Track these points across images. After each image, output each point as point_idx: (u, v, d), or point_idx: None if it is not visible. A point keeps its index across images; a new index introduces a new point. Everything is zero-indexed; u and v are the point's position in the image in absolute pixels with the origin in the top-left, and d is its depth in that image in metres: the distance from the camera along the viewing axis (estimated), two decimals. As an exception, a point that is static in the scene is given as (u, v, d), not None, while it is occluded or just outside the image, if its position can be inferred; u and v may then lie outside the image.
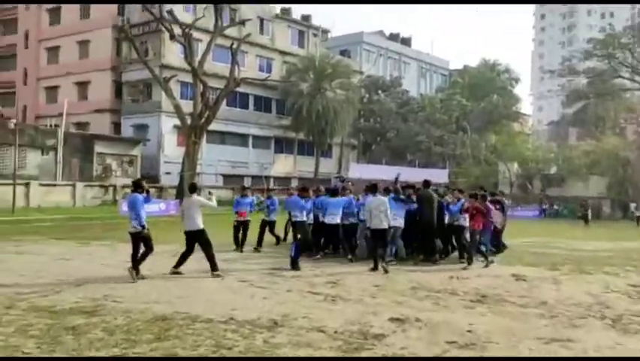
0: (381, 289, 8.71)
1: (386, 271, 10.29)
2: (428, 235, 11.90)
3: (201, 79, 32.29)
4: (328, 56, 45.61)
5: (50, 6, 43.91)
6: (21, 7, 45.61)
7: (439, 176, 38.25)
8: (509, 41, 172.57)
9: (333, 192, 12.51)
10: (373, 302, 7.67)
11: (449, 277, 10.02)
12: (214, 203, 9.93)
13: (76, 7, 42.29)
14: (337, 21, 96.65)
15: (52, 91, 43.19)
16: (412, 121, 48.93)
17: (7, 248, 12.81)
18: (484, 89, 52.75)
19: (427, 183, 12.43)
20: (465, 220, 11.73)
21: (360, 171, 38.49)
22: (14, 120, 26.68)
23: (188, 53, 32.03)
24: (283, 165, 44.69)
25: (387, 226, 10.80)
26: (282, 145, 46.00)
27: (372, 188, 11.32)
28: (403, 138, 48.62)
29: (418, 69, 60.50)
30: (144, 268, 9.33)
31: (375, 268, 10.45)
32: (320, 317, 6.74)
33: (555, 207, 42.55)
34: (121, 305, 7.07)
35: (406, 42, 61.65)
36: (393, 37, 60.63)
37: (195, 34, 35.82)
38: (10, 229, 18.05)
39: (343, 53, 51.75)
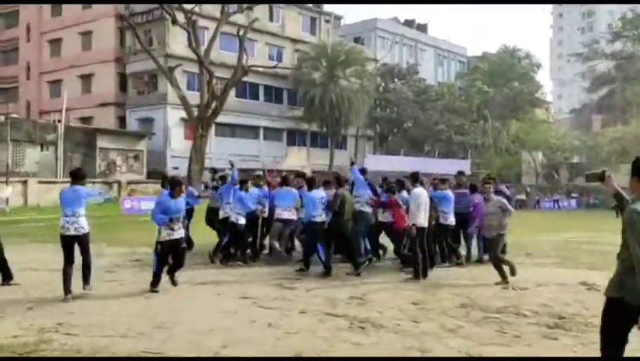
0: (422, 308, 6.72)
1: (423, 276, 8.41)
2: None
3: (207, 68, 30.44)
4: (341, 43, 43.46)
5: (51, -4, 42.28)
6: (22, -1, 44.06)
7: (460, 167, 36.19)
8: (526, 28, 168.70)
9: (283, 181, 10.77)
10: (417, 330, 5.69)
11: (503, 288, 8.03)
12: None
13: (78, -4, 40.58)
14: (350, 8, 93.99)
15: (55, 85, 41.63)
16: (430, 110, 46.64)
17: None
18: (504, 76, 50.30)
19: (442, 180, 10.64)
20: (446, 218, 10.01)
21: (377, 163, 36.57)
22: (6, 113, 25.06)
23: (193, 39, 30.14)
24: (296, 157, 42.74)
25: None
26: (295, 137, 44.04)
27: (415, 177, 9.39)
28: (421, 127, 46.39)
29: (435, 56, 58.05)
30: (122, 283, 7.42)
31: (418, 276, 8.57)
32: (346, 354, 4.83)
33: (593, 200, 40.07)
34: (73, 340, 5.19)
35: (422, 28, 59.19)
36: (409, 23, 58.19)
37: (201, 22, 34.00)
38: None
39: (357, 40, 49.53)
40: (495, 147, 46.17)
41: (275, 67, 35.96)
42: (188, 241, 10.92)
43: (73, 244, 7.18)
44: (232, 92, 34.86)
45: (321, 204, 9.21)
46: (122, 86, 39.19)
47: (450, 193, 10.15)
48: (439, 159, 43.96)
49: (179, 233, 7.57)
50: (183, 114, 33.56)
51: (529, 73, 52.79)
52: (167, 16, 32.80)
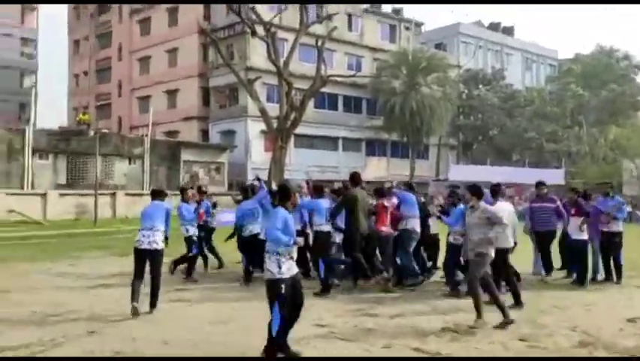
0: (532, 346, 5.62)
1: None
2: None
3: (286, 79, 30.33)
4: (422, 50, 42.17)
5: (141, 17, 44.36)
6: (115, 20, 46.59)
7: (553, 177, 33.61)
8: (623, 28, 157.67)
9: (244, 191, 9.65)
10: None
11: (628, 321, 6.71)
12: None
13: (165, 15, 42.29)
14: (430, 13, 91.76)
15: (144, 101, 43.47)
16: (518, 116, 44.12)
17: (46, 267, 11.07)
18: (600, 78, 46.62)
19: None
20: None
21: (462, 173, 34.81)
22: (91, 128, 26.09)
23: (272, 51, 30.19)
24: (376, 168, 41.76)
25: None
26: (374, 147, 43.13)
27: (495, 190, 8.14)
28: (509, 135, 43.93)
29: (523, 60, 55.11)
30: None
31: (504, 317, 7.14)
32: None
33: None
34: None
35: (508, 32, 56.49)
36: (494, 26, 55.72)
37: (281, 34, 34.08)
38: (80, 242, 16.75)
39: (438, 46, 48.00)
40: (591, 154, 42.76)
41: (354, 76, 35.38)
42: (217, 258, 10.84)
43: (145, 259, 6.98)
44: (311, 103, 34.62)
45: (326, 213, 8.57)
46: (205, 100, 40.19)
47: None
48: (529, 169, 41.25)
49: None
50: (263, 126, 33.69)
51: (629, 75, 48.67)
52: (248, 30, 33.22)
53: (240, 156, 36.05)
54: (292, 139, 34.79)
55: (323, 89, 34.69)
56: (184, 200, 10.05)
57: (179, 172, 32.30)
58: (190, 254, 9.67)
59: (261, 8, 32.40)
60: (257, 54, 36.15)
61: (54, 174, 27.65)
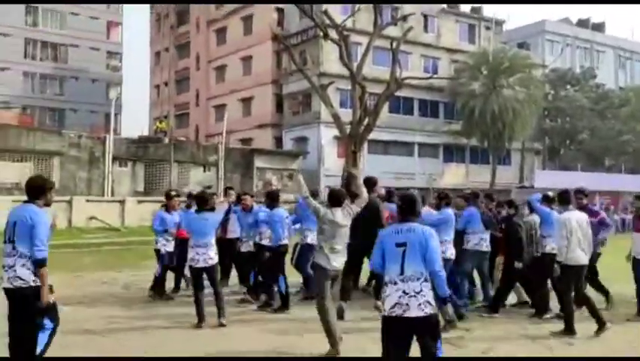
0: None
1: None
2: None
3: (360, 83, 29.45)
4: (504, 49, 39.89)
5: (217, 26, 45.18)
6: (193, 31, 47.79)
7: (654, 184, 30.59)
8: None
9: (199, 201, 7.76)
10: None
11: None
12: None
13: (240, 24, 42.78)
14: (513, 11, 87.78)
15: (220, 109, 44.09)
16: (611, 118, 40.73)
17: (111, 277, 10.77)
18: None
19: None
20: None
21: (549, 180, 32.27)
22: (167, 136, 26.48)
23: (345, 54, 29.44)
24: (454, 175, 39.91)
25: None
26: (452, 153, 41.26)
27: (563, 198, 7.05)
28: (601, 138, 40.60)
29: (615, 58, 51.03)
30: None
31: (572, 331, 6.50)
32: None
33: None
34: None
35: (598, 28, 52.60)
36: (582, 23, 52.07)
37: (354, 38, 33.30)
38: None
39: (521, 45, 45.33)
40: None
41: (430, 78, 33.97)
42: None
43: (202, 275, 6.94)
44: (385, 108, 33.53)
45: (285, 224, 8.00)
46: (279, 107, 40.15)
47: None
48: (626, 175, 37.99)
49: None
50: (336, 132, 33.00)
51: None
52: (320, 35, 32.73)
53: (312, 163, 35.56)
54: (366, 145, 33.84)
55: (398, 93, 33.47)
56: (166, 208, 8.97)
57: (252, 179, 32.26)
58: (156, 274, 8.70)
59: (333, 11, 31.82)
60: (330, 59, 35.59)
61: (132, 181, 28.30)
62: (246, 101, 41.87)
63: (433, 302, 4.09)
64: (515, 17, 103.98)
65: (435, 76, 35.44)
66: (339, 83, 33.94)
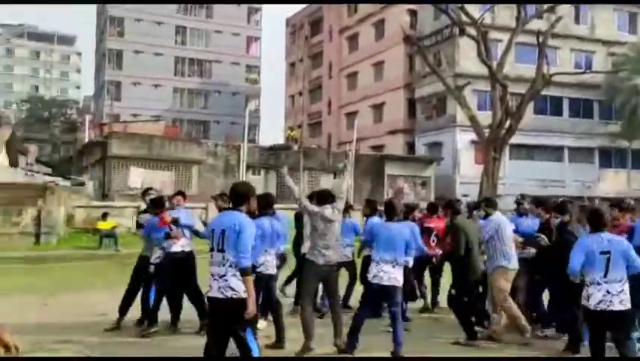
0: None
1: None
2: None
3: (501, 81, 27.09)
4: (674, 37, 34.54)
5: (349, 33, 44.99)
6: (326, 40, 48.17)
7: None
8: None
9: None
10: None
11: None
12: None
13: (372, 29, 42.12)
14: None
15: (351, 117, 43.69)
16: None
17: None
18: None
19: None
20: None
21: None
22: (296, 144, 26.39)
23: (484, 51, 27.26)
24: (612, 182, 35.21)
25: None
26: (610, 157, 36.49)
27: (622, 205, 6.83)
28: None
29: None
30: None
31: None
32: None
33: None
34: None
35: None
36: None
37: (493, 35, 30.82)
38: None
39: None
40: None
41: (584, 72, 30.32)
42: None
43: None
44: (529, 109, 30.58)
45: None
46: (411, 112, 38.68)
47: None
48: None
49: None
50: (473, 136, 30.79)
51: None
52: (457, 33, 30.87)
53: (447, 170, 33.54)
54: (507, 150, 31.16)
55: (544, 92, 30.37)
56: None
57: (382, 187, 31.15)
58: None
59: (470, 8, 29.71)
60: (466, 58, 33.35)
61: (265, 188, 28.49)
62: (378, 107, 41.00)
63: (629, 300, 5.02)
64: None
65: (589, 71, 31.57)
66: (477, 84, 31.66)
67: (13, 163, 22.83)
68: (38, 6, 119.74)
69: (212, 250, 4.46)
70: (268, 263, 6.28)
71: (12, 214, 18.61)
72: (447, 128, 34.66)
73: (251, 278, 4.35)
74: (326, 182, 29.52)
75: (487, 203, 7.30)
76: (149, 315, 6.73)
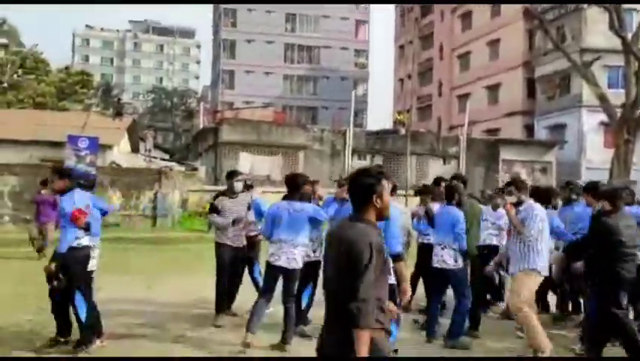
0: None
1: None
2: None
3: (635, 53, 24.04)
4: None
5: (462, 11, 42.73)
6: (437, 20, 46.22)
7: None
8: None
9: None
10: None
11: None
12: None
13: (487, 7, 39.58)
14: None
15: (463, 99, 41.63)
16: None
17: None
18: None
19: None
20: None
21: None
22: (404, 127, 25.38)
23: (616, 21, 24.32)
24: None
25: None
26: None
27: None
28: None
29: None
30: None
31: None
32: None
33: None
34: None
35: None
36: None
37: (627, 5, 27.49)
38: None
39: None
40: None
41: None
42: None
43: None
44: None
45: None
46: (530, 92, 35.95)
47: None
48: None
49: None
50: (602, 117, 27.81)
51: None
52: (582, 5, 27.93)
53: (571, 154, 30.75)
54: (644, 131, 27.80)
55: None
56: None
57: (497, 173, 29.22)
58: None
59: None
60: (594, 32, 30.19)
61: (372, 174, 28.15)
62: (493, 89, 38.59)
63: None
64: None
65: None
66: (607, 59, 28.57)
67: (135, 150, 24.31)
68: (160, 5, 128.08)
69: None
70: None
71: (132, 197, 19.78)
72: (571, 108, 31.73)
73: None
74: (435, 167, 28.29)
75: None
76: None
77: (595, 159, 29.86)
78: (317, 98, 54.17)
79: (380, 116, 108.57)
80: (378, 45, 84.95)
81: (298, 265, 5.51)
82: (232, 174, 6.79)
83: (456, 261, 5.85)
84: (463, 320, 5.91)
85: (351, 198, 2.83)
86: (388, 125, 43.76)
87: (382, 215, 2.80)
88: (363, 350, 2.50)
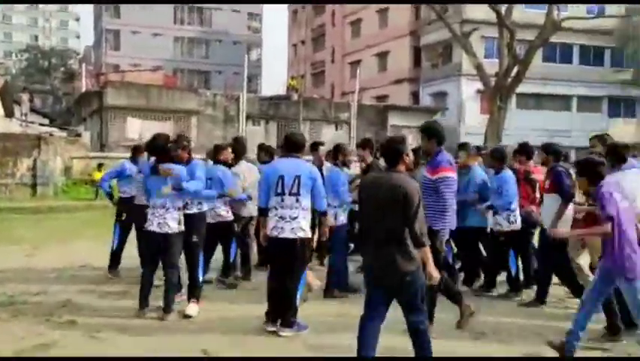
0: None
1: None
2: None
3: (507, 26, 26.05)
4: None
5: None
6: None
7: None
8: None
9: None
10: None
11: None
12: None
13: (377, -24, 40.50)
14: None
15: (354, 66, 42.67)
16: None
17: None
18: None
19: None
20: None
21: None
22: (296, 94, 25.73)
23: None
24: (622, 131, 34.09)
25: None
26: (620, 107, 35.68)
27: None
28: None
29: None
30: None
31: None
32: None
33: None
34: None
35: None
36: None
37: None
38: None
39: None
40: None
41: (597, 17, 29.17)
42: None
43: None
44: (538, 56, 29.55)
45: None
46: (417, 60, 37.69)
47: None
48: None
49: None
50: (479, 86, 29.97)
51: None
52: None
53: (452, 120, 32.86)
54: (514, 99, 30.40)
55: (553, 39, 29.27)
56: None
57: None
58: None
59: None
60: (474, 5, 32.13)
61: (266, 139, 27.92)
62: (382, 56, 39.94)
63: None
64: None
65: (602, 16, 30.39)
66: (485, 31, 30.62)
67: (9, 114, 22.43)
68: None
69: (280, 194, 4.77)
70: None
71: (7, 165, 18.39)
72: (452, 77, 33.80)
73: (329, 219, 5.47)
74: (327, 133, 29.03)
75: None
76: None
77: (472, 124, 32.20)
78: (209, 62, 52.75)
79: (275, 81, 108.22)
80: (272, 9, 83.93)
81: (171, 229, 5.28)
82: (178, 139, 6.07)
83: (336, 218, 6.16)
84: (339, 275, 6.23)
85: (387, 158, 3.81)
86: (283, 91, 43.91)
87: (408, 168, 3.90)
88: (430, 259, 3.70)
